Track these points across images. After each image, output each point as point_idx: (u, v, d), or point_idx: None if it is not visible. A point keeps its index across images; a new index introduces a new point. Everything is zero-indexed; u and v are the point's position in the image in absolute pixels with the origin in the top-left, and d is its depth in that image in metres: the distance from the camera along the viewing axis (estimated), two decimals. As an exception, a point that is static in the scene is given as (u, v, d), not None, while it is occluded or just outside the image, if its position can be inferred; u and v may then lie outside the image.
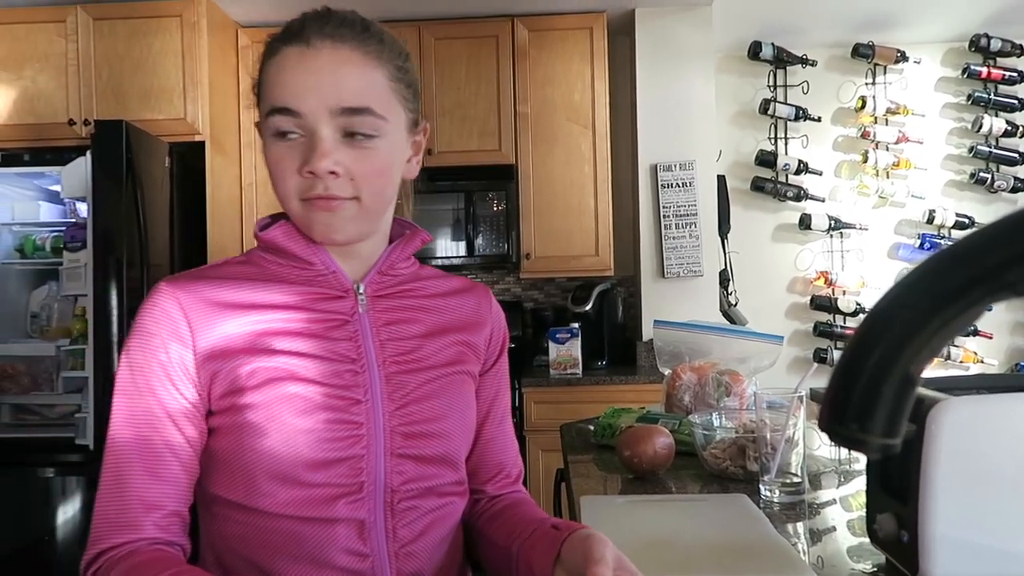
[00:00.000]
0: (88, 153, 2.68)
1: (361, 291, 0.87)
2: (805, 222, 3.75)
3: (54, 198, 3.06)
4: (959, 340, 3.73)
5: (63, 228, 2.85)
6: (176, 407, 0.80)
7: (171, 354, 0.80)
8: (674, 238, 3.35)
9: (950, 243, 0.33)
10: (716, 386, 1.69)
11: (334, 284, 0.86)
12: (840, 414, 0.35)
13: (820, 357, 3.76)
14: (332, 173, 0.79)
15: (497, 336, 0.98)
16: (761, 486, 1.26)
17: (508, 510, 0.95)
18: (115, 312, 2.64)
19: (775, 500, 1.23)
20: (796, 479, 1.23)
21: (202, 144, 3.11)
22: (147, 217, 2.75)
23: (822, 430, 0.36)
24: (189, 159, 3.09)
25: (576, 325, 3.25)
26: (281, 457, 0.78)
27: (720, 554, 0.96)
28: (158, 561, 0.75)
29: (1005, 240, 0.31)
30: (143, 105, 3.08)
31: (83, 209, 2.79)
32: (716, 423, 1.47)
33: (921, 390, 0.92)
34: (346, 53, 0.80)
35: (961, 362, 3.71)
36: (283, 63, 0.80)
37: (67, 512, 2.71)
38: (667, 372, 1.80)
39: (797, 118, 3.75)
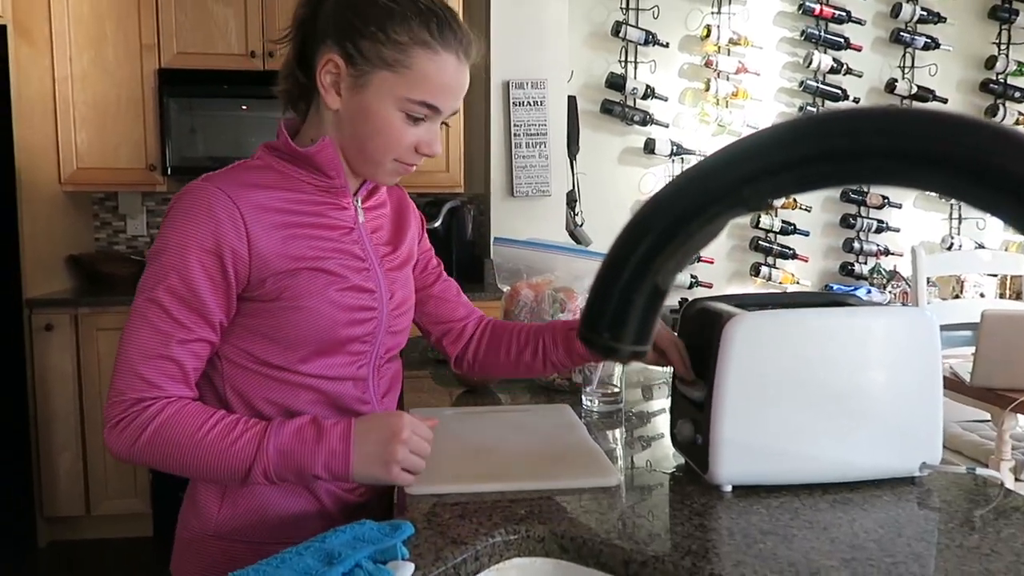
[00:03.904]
0: None
1: (359, 203, 1.04)
2: (649, 146, 3.88)
3: None
4: (779, 263, 4.04)
5: None
6: (214, 299, 0.91)
7: (221, 246, 0.90)
8: (524, 157, 3.37)
9: (693, 165, 0.35)
10: (551, 302, 1.74)
11: (342, 196, 1.00)
12: (595, 324, 0.36)
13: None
14: None
15: (420, 223, 1.22)
16: (583, 396, 1.33)
17: (499, 325, 1.29)
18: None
19: (595, 409, 1.30)
20: (615, 389, 1.31)
21: (3, 29, 2.76)
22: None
23: (579, 339, 0.38)
24: (-11, 47, 2.74)
25: (425, 242, 3.23)
26: (319, 338, 0.96)
27: (536, 460, 1.01)
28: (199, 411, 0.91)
29: (738, 161, 0.33)
30: (-72, -21, 2.68)
31: None
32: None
33: (721, 305, 0.99)
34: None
35: (780, 282, 4.04)
36: (444, 67, 0.93)
37: None
38: (506, 289, 1.83)
39: (647, 43, 3.82)
